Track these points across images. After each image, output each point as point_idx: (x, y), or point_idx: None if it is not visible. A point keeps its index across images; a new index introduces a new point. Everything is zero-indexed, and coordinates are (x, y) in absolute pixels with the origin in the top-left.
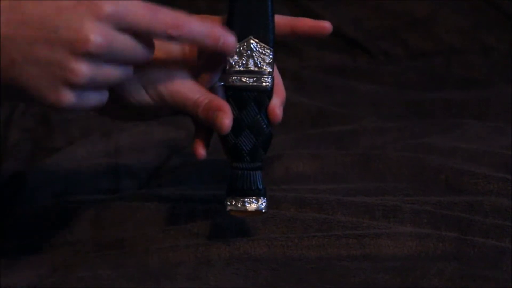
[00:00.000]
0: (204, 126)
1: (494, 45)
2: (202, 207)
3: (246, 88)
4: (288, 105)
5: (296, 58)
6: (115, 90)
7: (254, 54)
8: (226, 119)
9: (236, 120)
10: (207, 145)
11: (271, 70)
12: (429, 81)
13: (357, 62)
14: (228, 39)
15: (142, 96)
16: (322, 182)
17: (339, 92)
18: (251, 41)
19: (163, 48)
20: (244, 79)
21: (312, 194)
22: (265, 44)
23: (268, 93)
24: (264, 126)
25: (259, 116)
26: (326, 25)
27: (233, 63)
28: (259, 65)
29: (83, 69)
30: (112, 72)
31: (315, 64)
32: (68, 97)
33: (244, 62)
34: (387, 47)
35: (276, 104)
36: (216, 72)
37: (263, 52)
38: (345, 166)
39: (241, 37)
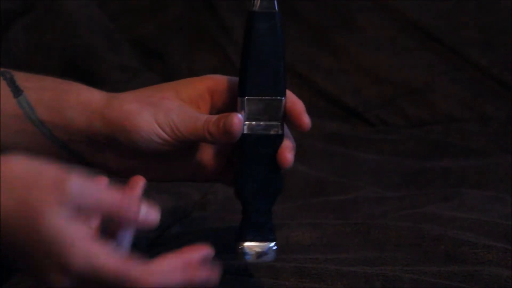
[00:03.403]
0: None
1: (492, 114)
2: None
3: (259, 137)
4: (288, 174)
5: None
6: (127, 126)
7: (266, 107)
8: (235, 118)
9: (249, 167)
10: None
11: (281, 119)
12: (428, 150)
13: (356, 131)
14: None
15: (152, 129)
16: (322, 251)
17: (338, 161)
18: (264, 97)
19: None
20: (256, 129)
21: (312, 264)
22: (278, 96)
23: (280, 140)
24: (274, 172)
25: (270, 162)
26: (306, 123)
27: (246, 114)
28: (271, 116)
29: None
30: None
31: (315, 133)
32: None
33: (257, 114)
34: (386, 116)
35: (287, 148)
36: None
37: (275, 103)
38: (345, 236)
39: (255, 90)
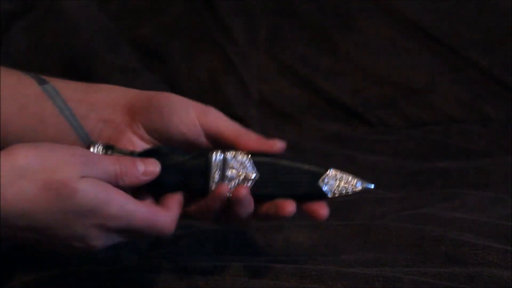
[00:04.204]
0: None
1: (493, 115)
2: (203, 278)
3: None
4: None
5: (296, 128)
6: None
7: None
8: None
9: None
10: None
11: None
12: (428, 151)
13: (356, 131)
14: None
15: (181, 110)
16: (322, 253)
17: (338, 161)
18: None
19: None
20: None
21: (312, 265)
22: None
23: None
24: None
25: None
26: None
27: None
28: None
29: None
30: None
31: (315, 134)
32: None
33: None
34: (386, 116)
35: None
36: None
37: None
38: (345, 237)
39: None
